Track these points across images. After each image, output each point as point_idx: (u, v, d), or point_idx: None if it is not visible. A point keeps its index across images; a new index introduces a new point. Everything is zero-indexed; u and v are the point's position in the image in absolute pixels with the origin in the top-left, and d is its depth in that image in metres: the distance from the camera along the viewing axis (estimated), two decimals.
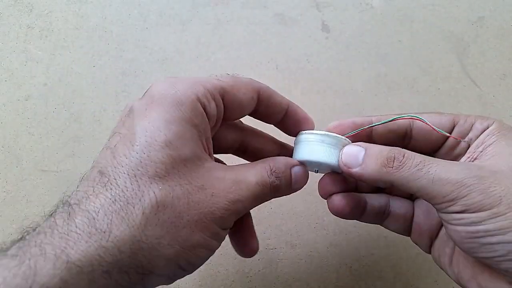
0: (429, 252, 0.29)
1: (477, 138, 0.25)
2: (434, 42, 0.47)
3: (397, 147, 0.24)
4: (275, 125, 0.30)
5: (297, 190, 0.28)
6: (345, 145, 0.27)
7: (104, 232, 0.19)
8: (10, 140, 0.43)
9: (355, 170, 0.25)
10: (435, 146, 0.28)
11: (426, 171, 0.22)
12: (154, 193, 0.20)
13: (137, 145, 0.21)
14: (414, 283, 0.39)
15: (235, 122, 0.30)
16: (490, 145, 0.24)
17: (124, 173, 0.20)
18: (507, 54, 0.47)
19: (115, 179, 0.20)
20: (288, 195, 0.41)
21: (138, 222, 0.20)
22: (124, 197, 0.20)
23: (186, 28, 0.48)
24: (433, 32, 0.48)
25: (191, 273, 0.23)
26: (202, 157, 0.23)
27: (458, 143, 0.26)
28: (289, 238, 0.40)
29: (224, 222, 0.23)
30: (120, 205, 0.20)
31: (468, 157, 0.25)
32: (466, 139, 0.26)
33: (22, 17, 0.48)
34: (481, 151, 0.24)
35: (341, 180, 0.29)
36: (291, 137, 0.30)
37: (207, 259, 0.23)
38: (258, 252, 0.40)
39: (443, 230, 0.28)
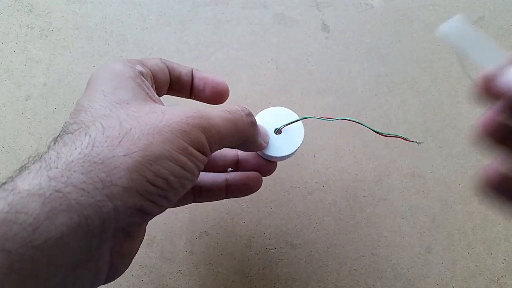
0: None
1: None
2: (434, 42, 0.47)
3: None
4: (194, 98, 0.32)
5: (262, 146, 0.29)
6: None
7: (53, 162, 0.18)
8: (10, 140, 0.43)
9: None
10: None
11: None
12: (100, 122, 0.20)
13: (81, 107, 0.22)
14: (414, 283, 0.39)
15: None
16: None
17: (72, 123, 0.21)
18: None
19: (64, 132, 0.21)
20: (287, 194, 0.41)
21: (85, 144, 0.19)
22: (72, 136, 0.20)
23: (186, 28, 0.48)
24: (433, 32, 0.48)
25: (170, 194, 0.21)
26: (148, 100, 0.23)
27: None
28: (289, 238, 0.40)
29: (190, 137, 0.21)
30: (67, 140, 0.20)
31: None
32: None
33: (22, 17, 0.48)
34: None
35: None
36: None
37: (183, 178, 0.21)
38: (258, 252, 0.40)
39: None
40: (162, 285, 0.38)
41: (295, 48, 0.47)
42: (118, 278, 0.22)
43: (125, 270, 0.23)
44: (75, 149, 0.19)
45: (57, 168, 0.18)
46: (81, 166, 0.18)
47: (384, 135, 0.28)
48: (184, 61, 0.47)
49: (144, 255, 0.39)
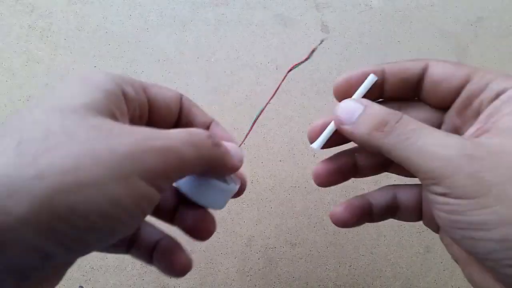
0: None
1: (491, 102, 0.21)
2: (433, 42, 0.48)
3: (398, 112, 0.21)
4: None
5: (236, 167, 0.23)
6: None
7: None
8: None
9: (347, 127, 0.23)
10: (445, 102, 0.24)
11: (414, 141, 0.20)
12: (21, 132, 0.16)
13: (20, 111, 0.18)
14: (414, 282, 0.39)
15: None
16: (504, 115, 0.20)
17: None
18: (506, 54, 0.48)
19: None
20: (287, 194, 0.41)
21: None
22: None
23: (187, 28, 0.48)
24: (432, 32, 0.48)
25: (90, 239, 0.16)
26: (106, 116, 0.18)
27: (470, 102, 0.22)
28: (289, 237, 0.40)
29: (138, 163, 0.17)
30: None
31: (478, 128, 0.21)
32: (477, 102, 0.22)
33: (23, 18, 0.48)
34: (494, 122, 0.20)
35: (336, 170, 0.27)
36: None
37: (113, 220, 0.16)
38: (258, 251, 0.41)
39: None
40: (163, 284, 0.38)
41: (295, 49, 0.48)
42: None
43: None
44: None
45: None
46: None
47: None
48: (185, 62, 0.47)
49: None
